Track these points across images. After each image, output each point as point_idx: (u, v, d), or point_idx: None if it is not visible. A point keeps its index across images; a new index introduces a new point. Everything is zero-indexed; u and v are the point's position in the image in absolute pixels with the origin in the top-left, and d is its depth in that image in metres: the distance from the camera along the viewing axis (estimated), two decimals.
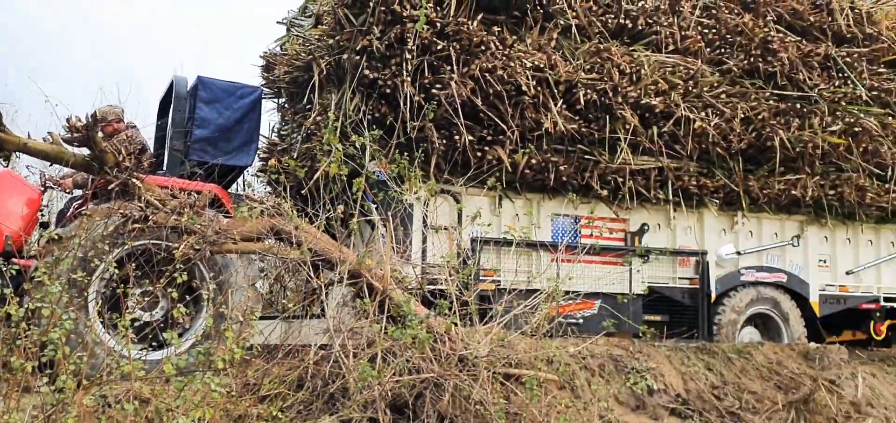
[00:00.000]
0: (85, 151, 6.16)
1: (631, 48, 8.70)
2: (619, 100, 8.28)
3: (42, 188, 7.28)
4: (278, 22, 9.50)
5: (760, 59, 9.28)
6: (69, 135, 6.13)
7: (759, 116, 9.09)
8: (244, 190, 8.08)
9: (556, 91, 7.97)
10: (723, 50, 9.21)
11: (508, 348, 5.89)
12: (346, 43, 7.42)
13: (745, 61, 9.25)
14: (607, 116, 8.28)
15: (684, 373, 7.36)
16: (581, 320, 8.42)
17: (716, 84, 9.01)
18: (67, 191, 7.51)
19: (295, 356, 5.76)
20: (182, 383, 4.50)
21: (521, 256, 7.93)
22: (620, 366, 7.07)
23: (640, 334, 7.62)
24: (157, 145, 7.96)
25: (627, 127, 8.37)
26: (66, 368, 4.21)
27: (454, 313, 5.81)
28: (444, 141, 7.60)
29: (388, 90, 7.32)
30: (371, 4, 7.25)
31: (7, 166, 7.20)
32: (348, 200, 6.26)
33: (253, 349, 5.41)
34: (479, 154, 7.73)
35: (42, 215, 7.00)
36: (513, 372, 5.71)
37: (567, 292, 7.48)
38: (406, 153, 7.00)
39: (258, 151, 8.32)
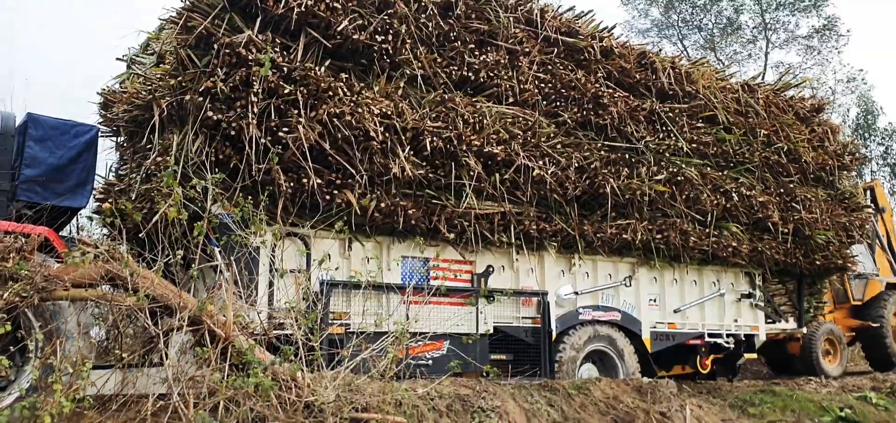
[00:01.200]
0: None
1: (474, 99, 9.11)
2: (464, 148, 8.61)
3: None
4: (118, 58, 9.17)
5: (592, 113, 9.99)
6: None
7: (592, 165, 9.74)
8: (77, 233, 7.67)
9: (403, 138, 8.18)
10: (558, 103, 9.83)
11: (356, 393, 5.90)
12: (188, 84, 7.26)
13: (579, 114, 9.92)
14: (453, 163, 8.58)
15: (528, 410, 7.62)
16: (430, 362, 8.58)
17: (552, 135, 9.59)
18: None
19: (131, 407, 5.52)
20: None
21: (370, 298, 8.00)
22: (467, 405, 7.21)
23: (486, 374, 7.85)
24: None
25: (472, 174, 8.70)
26: None
27: (300, 358, 5.77)
28: (292, 184, 7.58)
29: (232, 132, 7.23)
30: (215, 46, 7.18)
31: None
32: (189, 245, 6.10)
33: (84, 402, 5.13)
34: (328, 197, 7.77)
35: None
36: (361, 417, 5.71)
37: (416, 334, 7.63)
38: (251, 196, 6.95)
39: (94, 192, 7.96)
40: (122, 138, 8.68)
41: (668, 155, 10.65)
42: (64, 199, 6.95)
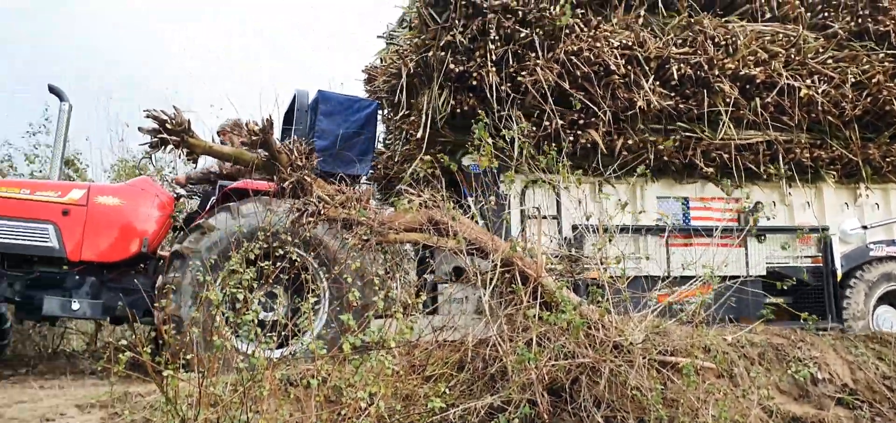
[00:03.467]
0: (262, 152, 6.62)
1: (725, 19, 8.42)
2: (716, 73, 8.01)
3: (175, 194, 7.79)
4: (379, 36, 9.72)
5: (869, 20, 8.74)
6: (248, 138, 6.60)
7: (874, 80, 8.52)
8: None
9: (647, 68, 7.81)
10: (826, 13, 8.75)
11: (663, 336, 5.77)
12: (431, 41, 7.58)
13: (852, 23, 8.73)
14: (705, 90, 8.01)
15: (851, 362, 6.90)
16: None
17: (821, 49, 8.55)
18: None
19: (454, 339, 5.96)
20: (358, 361, 4.68)
21: (626, 242, 7.71)
22: (781, 354, 6.76)
23: (803, 321, 7.23)
24: None
25: (727, 100, 8.06)
26: (260, 347, 4.56)
27: (607, 300, 5.72)
28: (535, 128, 7.57)
29: (474, 82, 7.40)
30: (452, 0, 7.41)
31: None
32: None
33: (418, 334, 5.65)
34: (571, 138, 7.64)
35: (174, 219, 7.42)
36: (668, 360, 5.59)
37: (678, 279, 7.21)
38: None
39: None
40: (387, 110, 9.25)
41: None
42: (349, 168, 7.46)
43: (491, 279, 5.77)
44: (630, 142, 7.84)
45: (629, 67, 7.75)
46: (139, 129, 6.62)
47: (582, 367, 5.20)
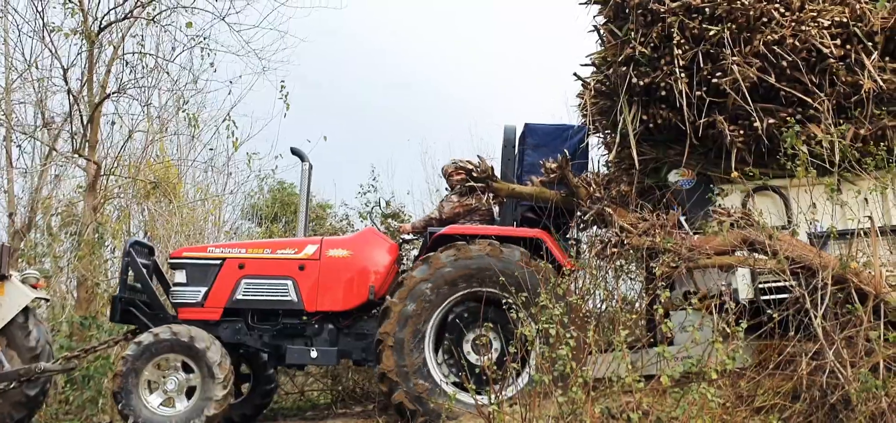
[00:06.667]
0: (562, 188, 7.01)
1: None
2: None
3: (400, 241, 8.15)
4: (585, 61, 9.33)
5: None
6: (546, 177, 6.98)
7: None
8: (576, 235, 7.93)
9: (869, 45, 6.73)
10: None
11: None
12: (612, 57, 7.23)
13: None
14: None
15: None
16: None
17: None
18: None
19: (785, 367, 5.60)
20: (679, 393, 4.63)
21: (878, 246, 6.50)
22: None
23: None
24: None
25: None
26: (576, 380, 4.65)
27: None
28: (743, 131, 6.80)
29: (663, 92, 6.88)
30: (627, 11, 7.05)
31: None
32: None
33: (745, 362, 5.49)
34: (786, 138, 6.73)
35: (400, 264, 7.71)
36: None
37: None
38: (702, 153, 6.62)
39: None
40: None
41: None
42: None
43: (823, 299, 5.33)
44: (862, 131, 6.72)
45: (848, 47, 6.73)
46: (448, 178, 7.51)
47: None
